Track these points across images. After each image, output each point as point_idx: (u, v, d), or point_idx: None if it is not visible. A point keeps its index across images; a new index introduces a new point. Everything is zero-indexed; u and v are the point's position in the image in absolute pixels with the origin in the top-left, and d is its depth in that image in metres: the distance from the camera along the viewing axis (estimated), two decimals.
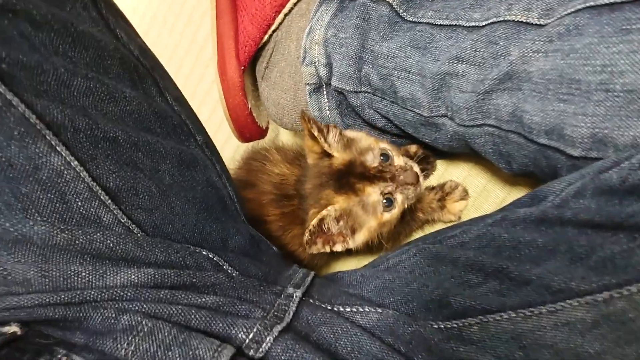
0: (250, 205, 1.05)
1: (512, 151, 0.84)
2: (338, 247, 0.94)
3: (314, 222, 0.88)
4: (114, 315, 0.64)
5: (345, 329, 0.74)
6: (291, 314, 0.75)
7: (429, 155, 1.13)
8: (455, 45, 0.86)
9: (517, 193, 1.05)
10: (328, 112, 1.08)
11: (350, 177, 0.91)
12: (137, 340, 0.61)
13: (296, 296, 0.79)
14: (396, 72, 0.93)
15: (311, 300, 0.81)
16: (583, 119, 0.70)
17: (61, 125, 0.60)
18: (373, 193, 0.91)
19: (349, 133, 0.99)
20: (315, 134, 0.92)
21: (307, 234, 0.87)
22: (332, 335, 0.73)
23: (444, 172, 1.14)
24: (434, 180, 1.14)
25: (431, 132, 0.96)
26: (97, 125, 0.65)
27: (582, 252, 0.64)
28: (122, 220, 0.68)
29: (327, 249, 0.93)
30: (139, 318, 0.63)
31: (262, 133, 1.20)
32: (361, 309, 0.78)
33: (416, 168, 0.94)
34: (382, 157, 0.94)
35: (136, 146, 0.71)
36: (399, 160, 0.95)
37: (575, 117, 0.70)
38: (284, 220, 1.04)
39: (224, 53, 1.08)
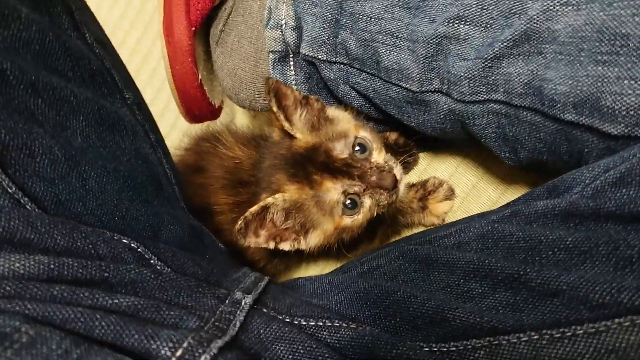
0: (197, 192, 0.89)
1: (522, 134, 0.68)
2: (285, 246, 0.78)
3: (254, 208, 0.71)
4: None
5: (308, 348, 0.56)
6: (237, 324, 0.56)
7: (410, 144, 0.96)
8: (456, 2, 0.71)
9: (512, 194, 0.90)
10: (294, 87, 0.90)
11: (308, 166, 0.75)
12: (9, 355, 0.41)
13: (245, 303, 0.60)
14: (380, 36, 0.77)
15: (264, 310, 0.63)
16: (631, 85, 0.55)
17: None
18: (333, 189, 0.75)
19: (331, 111, 0.83)
20: (274, 109, 0.75)
21: (241, 221, 0.70)
22: (290, 356, 0.56)
23: (427, 166, 0.98)
24: (414, 176, 0.98)
25: (419, 112, 0.80)
26: None
27: (633, 254, 0.50)
28: (10, 190, 0.51)
29: (271, 246, 0.76)
30: (17, 323, 0.43)
31: (214, 112, 1.02)
32: (329, 324, 0.60)
33: (397, 171, 0.78)
34: (357, 148, 0.78)
35: (34, 89, 0.52)
36: (378, 157, 0.79)
37: (619, 82, 0.56)
38: (238, 211, 0.85)
39: (172, 9, 0.90)
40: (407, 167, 0.98)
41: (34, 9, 0.55)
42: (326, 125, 0.80)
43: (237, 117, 1.21)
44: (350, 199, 0.75)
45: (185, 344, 0.47)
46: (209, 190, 0.89)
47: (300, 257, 0.95)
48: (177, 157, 1.01)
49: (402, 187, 0.78)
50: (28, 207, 0.52)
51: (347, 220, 0.76)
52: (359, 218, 0.77)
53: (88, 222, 0.57)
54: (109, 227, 0.59)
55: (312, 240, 0.78)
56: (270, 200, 0.73)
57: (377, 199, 0.76)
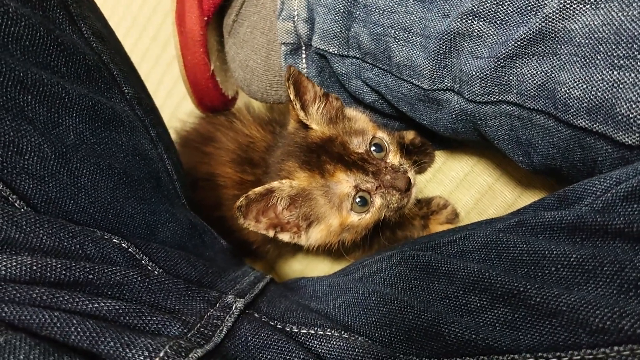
0: (204, 160, 0.89)
1: (535, 138, 0.65)
2: (285, 237, 0.76)
3: (259, 189, 0.70)
4: None
5: (296, 358, 0.54)
6: (224, 331, 0.55)
7: (427, 144, 0.93)
8: None
9: (529, 197, 0.86)
10: None
11: (322, 155, 0.73)
12: None
13: (236, 307, 0.59)
14: (393, 31, 0.74)
15: (257, 315, 0.61)
16: None
17: None
18: (345, 182, 0.72)
19: (350, 111, 0.82)
20: (291, 97, 0.74)
21: (242, 199, 0.68)
22: None
23: (443, 165, 0.95)
24: (429, 174, 0.95)
25: (431, 110, 0.77)
26: None
27: (638, 277, 0.46)
28: None
29: (270, 234, 0.75)
30: None
31: (226, 103, 1.00)
32: (321, 332, 0.58)
33: (411, 174, 0.75)
34: (374, 147, 0.76)
35: (23, 85, 0.51)
36: (393, 158, 0.77)
37: (635, 89, 0.52)
38: (241, 189, 0.85)
39: None
40: (423, 166, 0.95)
41: (24, 3, 0.54)
42: (344, 121, 0.79)
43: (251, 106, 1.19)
44: (360, 196, 0.73)
45: (161, 353, 0.46)
46: (216, 161, 0.88)
47: (295, 248, 0.93)
48: (190, 125, 1.01)
49: (414, 192, 0.75)
50: (17, 204, 0.51)
51: (354, 218, 0.74)
52: (366, 217, 0.74)
53: (80, 220, 0.56)
54: (102, 225, 0.58)
55: (314, 235, 0.76)
56: (276, 184, 0.71)
57: (388, 200, 0.73)
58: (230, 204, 0.86)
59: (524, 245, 0.55)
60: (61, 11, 0.58)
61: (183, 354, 0.47)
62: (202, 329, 0.53)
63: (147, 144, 0.67)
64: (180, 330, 0.51)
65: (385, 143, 0.77)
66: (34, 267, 0.48)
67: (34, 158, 0.52)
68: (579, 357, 0.45)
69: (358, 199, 0.73)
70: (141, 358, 0.45)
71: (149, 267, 0.59)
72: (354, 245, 0.81)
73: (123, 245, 0.58)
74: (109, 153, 0.61)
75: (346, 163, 0.72)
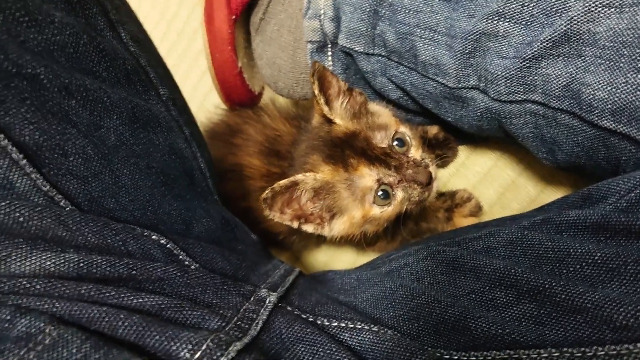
0: (232, 151, 0.91)
1: (560, 137, 0.66)
2: (309, 228, 0.78)
3: (284, 181, 0.72)
4: (9, 317, 0.45)
5: (328, 351, 0.57)
6: (260, 324, 0.57)
7: (450, 138, 0.94)
8: None
9: (552, 192, 0.87)
10: None
11: (346, 149, 0.75)
12: (31, 356, 0.43)
13: (270, 301, 0.61)
14: (419, 30, 0.75)
15: (289, 308, 0.63)
16: None
17: None
18: (367, 176, 0.74)
19: (373, 106, 0.84)
20: (316, 92, 0.76)
21: (268, 191, 0.71)
22: (310, 357, 0.56)
23: (466, 159, 0.96)
24: (453, 168, 0.96)
25: (456, 107, 0.78)
26: (7, 56, 0.49)
27: None
28: (44, 188, 0.53)
29: (295, 225, 0.77)
30: (42, 324, 0.45)
31: (253, 98, 1.03)
32: (351, 325, 0.60)
33: (432, 169, 0.77)
34: (396, 142, 0.77)
35: (67, 91, 0.54)
36: (415, 153, 0.78)
37: None
38: (268, 181, 0.87)
39: None
40: (446, 160, 0.97)
41: (68, 12, 0.56)
42: (367, 116, 0.80)
43: (277, 101, 1.21)
44: (383, 189, 0.75)
45: (204, 347, 0.48)
46: (244, 152, 0.90)
47: (320, 239, 0.96)
48: (218, 117, 1.03)
49: (435, 186, 0.77)
50: (62, 203, 0.54)
51: (376, 210, 0.76)
52: (388, 210, 0.76)
53: (121, 217, 0.59)
54: (141, 222, 0.61)
55: (337, 226, 0.78)
56: (300, 177, 0.73)
57: (410, 194, 0.75)
58: (257, 195, 0.88)
59: (549, 243, 0.57)
60: (102, 18, 0.61)
61: (224, 347, 0.50)
62: (239, 323, 0.55)
63: (181, 143, 0.70)
64: (219, 324, 0.54)
65: (407, 138, 0.78)
66: (81, 264, 0.51)
67: (78, 160, 0.55)
68: (602, 353, 0.47)
69: (380, 193, 0.75)
70: (185, 351, 0.48)
71: (187, 262, 0.62)
72: (376, 237, 0.83)
73: (162, 241, 0.61)
74: (147, 153, 0.63)
75: (369, 157, 0.74)
